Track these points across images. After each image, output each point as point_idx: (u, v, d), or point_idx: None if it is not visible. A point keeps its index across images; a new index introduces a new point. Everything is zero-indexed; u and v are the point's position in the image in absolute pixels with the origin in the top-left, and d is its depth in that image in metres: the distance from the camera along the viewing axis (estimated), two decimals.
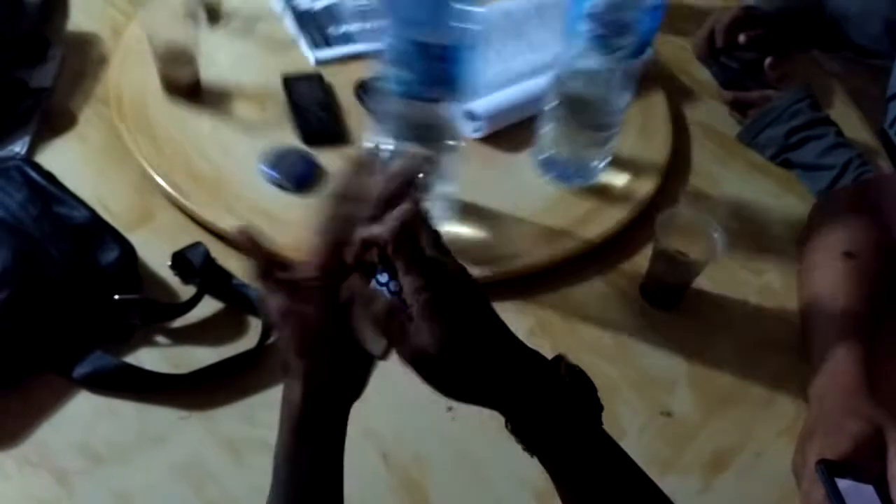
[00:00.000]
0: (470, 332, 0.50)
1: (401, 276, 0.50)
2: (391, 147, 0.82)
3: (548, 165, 0.97)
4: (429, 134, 0.80)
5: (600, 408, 0.54)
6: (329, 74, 1.05)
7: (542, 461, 0.53)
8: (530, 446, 0.53)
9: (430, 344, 0.49)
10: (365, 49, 1.09)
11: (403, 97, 0.77)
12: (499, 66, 1.06)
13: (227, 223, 0.87)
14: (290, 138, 0.97)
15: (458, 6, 0.70)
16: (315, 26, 1.11)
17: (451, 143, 0.83)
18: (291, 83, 1.03)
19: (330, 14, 1.13)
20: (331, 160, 0.95)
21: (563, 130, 0.93)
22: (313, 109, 1.00)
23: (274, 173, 0.93)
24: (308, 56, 1.08)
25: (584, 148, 0.95)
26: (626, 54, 0.83)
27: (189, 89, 0.99)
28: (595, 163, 0.97)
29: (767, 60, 1.06)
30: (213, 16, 1.09)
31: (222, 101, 1.00)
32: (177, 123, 0.97)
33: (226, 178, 0.92)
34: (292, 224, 0.86)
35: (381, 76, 0.77)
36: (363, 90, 1.03)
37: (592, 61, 0.85)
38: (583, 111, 0.90)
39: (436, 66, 0.74)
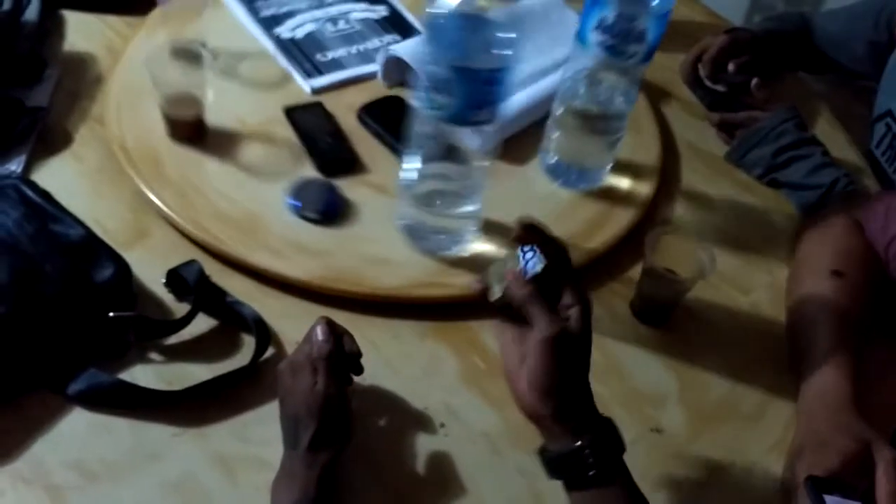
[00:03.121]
0: (586, 347, 0.65)
1: (566, 290, 0.64)
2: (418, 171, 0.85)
3: (555, 172, 0.99)
4: (460, 155, 0.83)
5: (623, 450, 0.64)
6: (326, 102, 1.05)
7: (567, 486, 0.63)
8: (559, 470, 0.63)
9: (576, 328, 0.63)
10: (358, 73, 1.10)
11: (447, 122, 0.78)
12: None
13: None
14: (305, 170, 0.97)
15: (501, 34, 0.73)
16: (302, 56, 1.11)
17: (481, 163, 0.85)
18: (295, 115, 1.03)
19: (313, 42, 1.13)
20: (348, 187, 0.96)
21: (569, 138, 0.96)
22: (323, 138, 1.00)
23: (298, 204, 0.92)
24: (303, 86, 1.07)
25: (590, 153, 0.97)
26: (637, 61, 0.86)
27: (194, 132, 0.98)
28: (601, 167, 0.99)
29: (754, 82, 1.08)
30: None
31: (230, 141, 0.99)
32: (190, 166, 0.95)
33: (254, 215, 0.92)
34: (318, 254, 0.89)
35: (420, 101, 0.79)
36: (366, 114, 1.03)
37: (601, 70, 0.88)
38: (590, 119, 0.93)
39: (479, 90, 0.76)
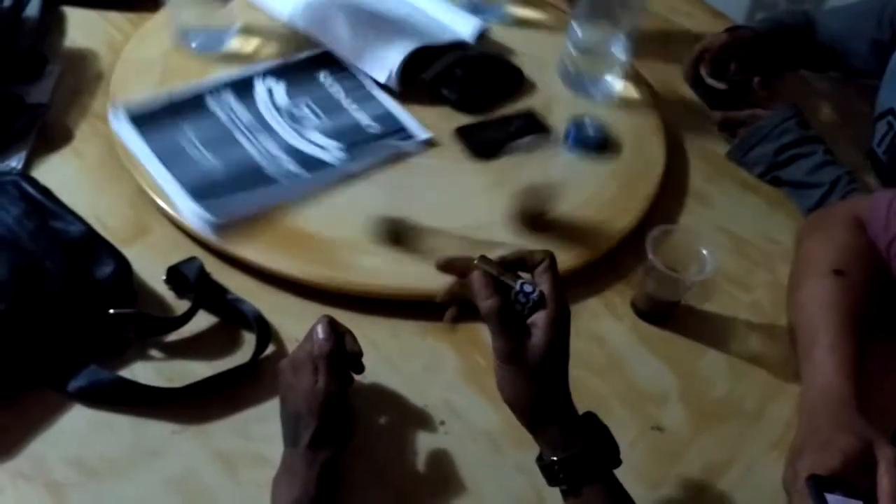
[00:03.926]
0: (562, 350, 0.63)
1: (548, 289, 0.62)
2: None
3: (570, 82, 1.11)
4: (619, 9, 1.04)
5: (618, 462, 0.64)
6: (433, 125, 1.04)
7: (564, 494, 0.63)
8: (553, 478, 0.63)
9: (539, 345, 0.61)
10: (397, 106, 1.06)
11: None
12: None
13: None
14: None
15: None
16: (357, 141, 1.00)
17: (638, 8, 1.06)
18: (469, 137, 1.03)
19: (333, 131, 1.01)
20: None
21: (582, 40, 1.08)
22: (506, 126, 1.06)
23: (586, 137, 1.04)
24: (411, 143, 1.02)
25: (601, 62, 1.09)
26: None
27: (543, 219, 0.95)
28: (611, 75, 1.10)
29: (755, 80, 1.08)
30: None
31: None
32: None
33: None
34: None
35: None
36: (463, 91, 1.08)
37: None
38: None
39: None
